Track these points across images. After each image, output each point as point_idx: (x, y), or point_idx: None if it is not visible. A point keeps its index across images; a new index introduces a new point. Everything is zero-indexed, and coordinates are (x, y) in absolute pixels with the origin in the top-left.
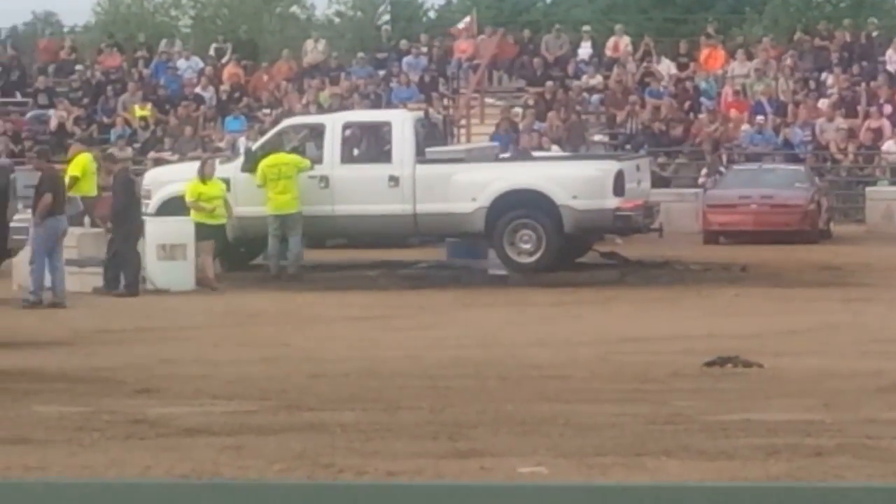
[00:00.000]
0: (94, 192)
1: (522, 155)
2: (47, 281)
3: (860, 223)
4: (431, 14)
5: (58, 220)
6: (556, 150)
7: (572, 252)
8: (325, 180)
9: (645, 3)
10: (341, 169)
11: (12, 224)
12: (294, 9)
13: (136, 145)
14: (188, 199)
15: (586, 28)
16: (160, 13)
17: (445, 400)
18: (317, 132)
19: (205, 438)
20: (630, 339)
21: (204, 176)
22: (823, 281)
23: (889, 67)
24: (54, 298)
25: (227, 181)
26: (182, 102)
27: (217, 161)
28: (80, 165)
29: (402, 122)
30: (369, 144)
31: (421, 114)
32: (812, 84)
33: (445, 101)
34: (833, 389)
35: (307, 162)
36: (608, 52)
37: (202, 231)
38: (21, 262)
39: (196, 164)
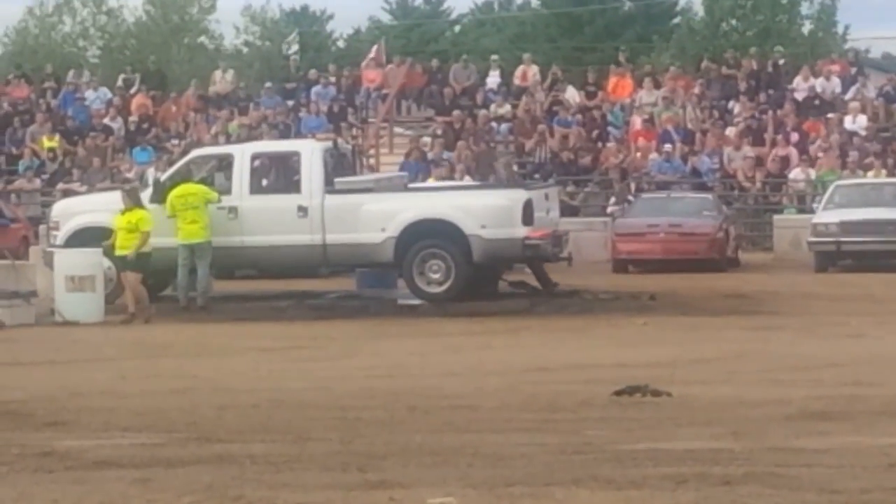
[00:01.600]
0: None
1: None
2: None
3: (768, 251)
4: (340, 44)
5: None
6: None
7: (482, 281)
8: (233, 211)
9: (553, 32)
10: (250, 200)
11: None
12: (202, 39)
13: (45, 176)
14: None
15: (495, 57)
16: (68, 44)
17: (355, 431)
18: (225, 163)
19: (113, 471)
20: (539, 369)
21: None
22: (731, 309)
23: (796, 95)
24: None
25: None
26: (90, 133)
27: (123, 192)
28: None
29: (310, 153)
30: (278, 175)
31: (330, 144)
32: (719, 112)
33: (354, 131)
34: (741, 418)
35: (215, 194)
36: (516, 81)
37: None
38: None
39: (103, 196)
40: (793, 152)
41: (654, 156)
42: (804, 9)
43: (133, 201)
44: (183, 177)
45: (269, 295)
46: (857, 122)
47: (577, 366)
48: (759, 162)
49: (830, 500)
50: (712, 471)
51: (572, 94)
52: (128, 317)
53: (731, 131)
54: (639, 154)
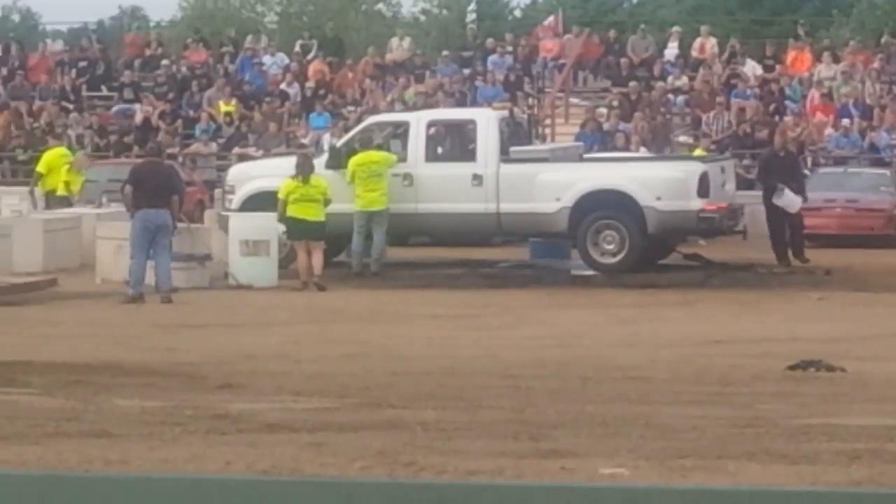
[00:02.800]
0: (61, 189)
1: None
2: (150, 276)
3: None
4: (517, 13)
5: (147, 214)
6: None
7: (655, 253)
8: (409, 178)
9: (731, 5)
10: (425, 167)
11: None
12: (380, 6)
13: (221, 140)
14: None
15: (676, 28)
16: (246, 9)
17: (526, 400)
18: (401, 130)
19: (286, 435)
20: (712, 342)
21: None
22: None
23: None
24: (159, 293)
25: None
26: (266, 98)
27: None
28: (46, 162)
29: (486, 121)
30: (454, 143)
31: (506, 113)
32: None
33: (530, 101)
34: None
35: (395, 157)
36: (694, 53)
37: None
38: (104, 257)
39: (278, 161)
40: None
41: (830, 130)
42: None
43: (298, 169)
44: (363, 144)
45: (442, 262)
46: None
47: (751, 339)
48: None
49: None
50: (887, 447)
51: (751, 67)
52: (299, 284)
53: None
54: (816, 129)
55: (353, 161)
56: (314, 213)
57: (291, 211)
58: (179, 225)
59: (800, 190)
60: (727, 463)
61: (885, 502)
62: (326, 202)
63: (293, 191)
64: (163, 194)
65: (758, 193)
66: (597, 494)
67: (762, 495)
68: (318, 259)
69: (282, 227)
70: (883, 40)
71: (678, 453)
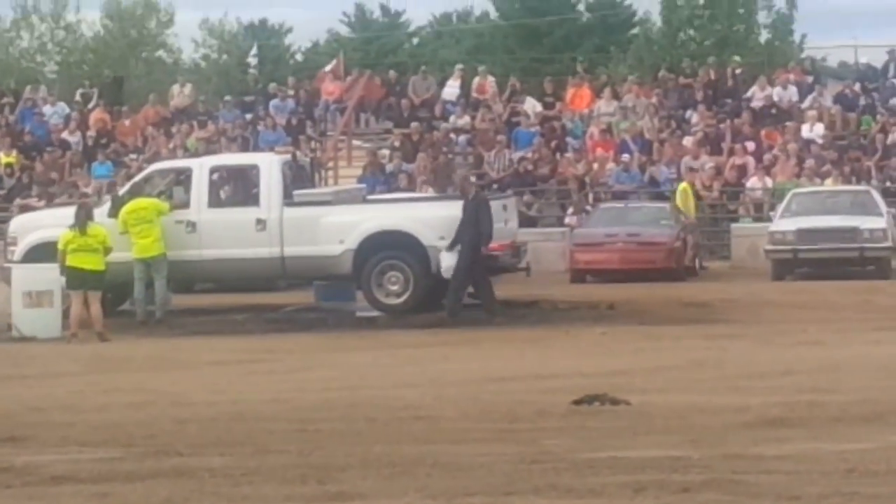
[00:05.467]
0: None
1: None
2: None
3: (725, 259)
4: (298, 57)
5: None
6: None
7: (440, 293)
8: (192, 225)
9: (511, 44)
10: (208, 213)
11: None
12: (160, 53)
13: (2, 192)
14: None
15: (459, 66)
16: (26, 59)
17: (314, 443)
18: (184, 176)
19: (71, 486)
20: (498, 379)
21: None
22: (690, 317)
23: (753, 104)
24: None
25: None
26: (48, 148)
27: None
28: None
29: (269, 166)
30: (237, 188)
31: (288, 157)
32: (677, 122)
33: (313, 144)
34: (700, 425)
35: (166, 205)
36: (474, 94)
37: None
38: None
39: (61, 211)
40: (750, 161)
41: (611, 166)
42: (761, 18)
43: (75, 219)
44: (134, 193)
45: (228, 308)
46: (814, 131)
47: (536, 376)
48: (717, 171)
49: None
50: (671, 478)
51: (531, 105)
52: (68, 335)
53: (688, 141)
54: (596, 165)
55: (123, 210)
56: (93, 263)
57: (71, 261)
58: None
59: (487, 233)
60: (514, 499)
61: None
62: (107, 251)
63: (71, 241)
64: None
65: (540, 230)
66: None
67: None
68: (95, 309)
69: (64, 278)
70: (660, 75)
71: (465, 491)
